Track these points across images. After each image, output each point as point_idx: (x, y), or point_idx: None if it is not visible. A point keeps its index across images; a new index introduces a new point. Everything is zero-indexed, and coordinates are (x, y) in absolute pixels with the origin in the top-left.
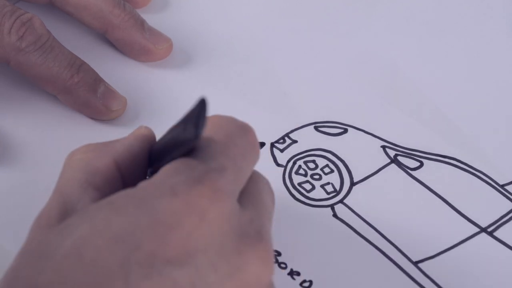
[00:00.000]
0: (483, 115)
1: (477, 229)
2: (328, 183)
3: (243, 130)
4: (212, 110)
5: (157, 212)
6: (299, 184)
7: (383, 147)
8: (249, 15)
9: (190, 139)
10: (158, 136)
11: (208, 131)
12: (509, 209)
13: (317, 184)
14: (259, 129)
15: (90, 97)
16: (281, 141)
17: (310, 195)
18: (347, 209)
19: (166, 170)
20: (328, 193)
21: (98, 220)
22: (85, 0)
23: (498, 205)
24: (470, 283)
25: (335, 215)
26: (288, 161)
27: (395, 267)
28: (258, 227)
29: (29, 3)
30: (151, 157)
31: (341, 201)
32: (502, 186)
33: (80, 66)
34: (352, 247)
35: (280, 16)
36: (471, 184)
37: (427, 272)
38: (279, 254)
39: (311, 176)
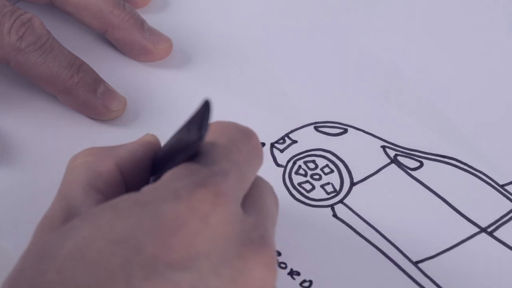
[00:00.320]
0: (483, 115)
1: (477, 229)
2: (328, 183)
3: (246, 135)
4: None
5: (160, 215)
6: (299, 184)
7: (383, 147)
8: (249, 15)
9: (193, 141)
10: (162, 139)
11: (211, 136)
12: (509, 209)
13: (317, 184)
14: (259, 129)
15: (90, 97)
16: (281, 141)
17: (310, 195)
18: (347, 209)
19: (170, 175)
20: (328, 193)
21: (101, 222)
22: (85, 0)
23: (498, 205)
24: (470, 283)
25: (335, 215)
26: (288, 161)
27: (395, 267)
28: (262, 232)
29: (29, 3)
30: (155, 164)
31: (341, 201)
32: (502, 186)
33: (80, 66)
34: (352, 247)
35: (280, 16)
36: (471, 184)
37: (427, 272)
38: (279, 254)
39: (311, 176)
